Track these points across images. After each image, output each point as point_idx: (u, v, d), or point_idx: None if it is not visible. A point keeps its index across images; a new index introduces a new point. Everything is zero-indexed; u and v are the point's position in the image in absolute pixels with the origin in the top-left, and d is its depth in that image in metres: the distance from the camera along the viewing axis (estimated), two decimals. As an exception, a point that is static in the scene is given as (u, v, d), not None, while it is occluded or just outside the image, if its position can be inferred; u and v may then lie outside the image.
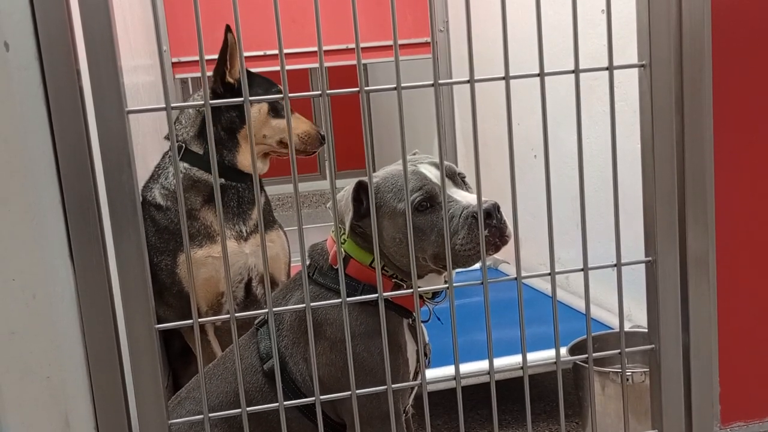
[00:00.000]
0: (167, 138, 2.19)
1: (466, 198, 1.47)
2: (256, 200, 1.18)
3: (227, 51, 2.11)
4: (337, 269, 1.55)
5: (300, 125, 2.34)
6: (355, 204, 1.51)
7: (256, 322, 1.66)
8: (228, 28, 2.10)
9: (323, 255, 1.60)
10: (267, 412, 1.49)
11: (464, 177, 1.56)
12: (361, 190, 1.52)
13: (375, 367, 1.50)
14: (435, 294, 1.59)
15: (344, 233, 1.55)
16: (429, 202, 1.47)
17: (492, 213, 1.41)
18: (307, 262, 1.63)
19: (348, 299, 1.22)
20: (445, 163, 1.52)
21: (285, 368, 1.56)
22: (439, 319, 1.63)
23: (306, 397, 1.53)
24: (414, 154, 1.62)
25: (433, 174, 1.50)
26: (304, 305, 1.21)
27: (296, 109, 2.38)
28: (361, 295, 1.52)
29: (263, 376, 1.57)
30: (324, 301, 1.47)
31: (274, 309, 1.21)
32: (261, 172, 2.29)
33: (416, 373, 1.61)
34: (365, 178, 1.51)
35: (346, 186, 1.55)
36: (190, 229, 2.10)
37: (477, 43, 1.23)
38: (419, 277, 1.54)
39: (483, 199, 1.34)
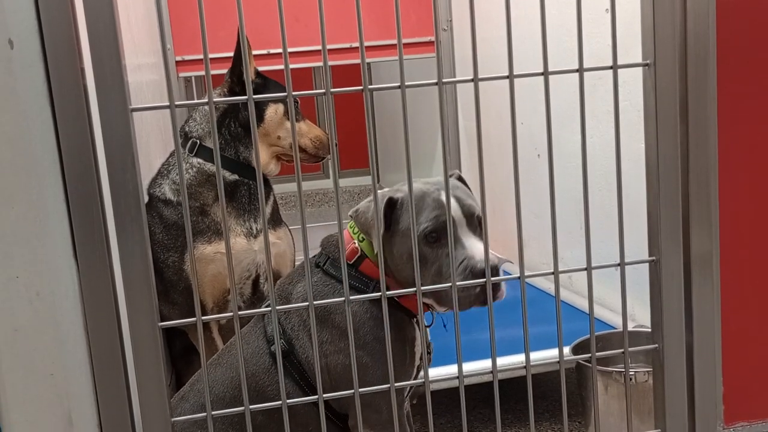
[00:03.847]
0: (183, 135, 2.20)
1: (472, 248, 1.47)
2: (260, 197, 1.18)
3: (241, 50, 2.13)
4: (350, 265, 1.58)
5: (312, 130, 2.37)
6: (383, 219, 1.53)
7: (264, 304, 1.69)
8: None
9: (338, 248, 1.61)
10: (271, 390, 1.56)
11: (481, 219, 1.54)
12: (389, 206, 1.53)
13: (383, 357, 1.50)
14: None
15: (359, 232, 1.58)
16: (438, 234, 1.48)
17: (497, 271, 1.41)
18: (314, 253, 1.65)
19: (351, 297, 1.22)
20: (469, 201, 1.53)
21: (291, 350, 1.59)
22: (444, 326, 1.65)
23: (312, 378, 1.57)
24: (452, 175, 1.60)
25: (453, 207, 1.49)
26: (305, 304, 1.20)
27: (300, 106, 2.39)
28: (372, 293, 1.54)
29: (269, 356, 1.60)
30: (328, 299, 1.48)
31: (278, 308, 1.21)
32: (273, 174, 2.30)
33: (418, 369, 1.62)
34: (394, 195, 1.55)
35: (367, 200, 1.57)
36: (200, 225, 2.11)
37: (481, 43, 1.23)
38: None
39: (490, 254, 1.31)
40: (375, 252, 1.54)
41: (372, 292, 1.54)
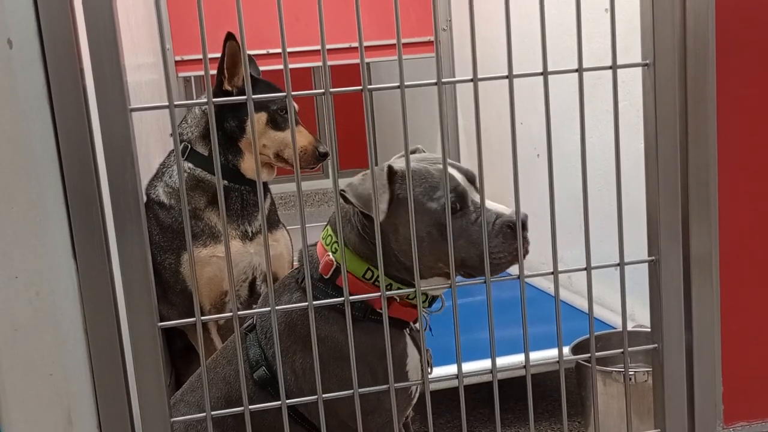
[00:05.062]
0: (173, 135, 2.18)
1: (495, 206, 1.42)
2: (260, 203, 1.18)
3: (225, 60, 2.09)
4: (326, 280, 1.49)
5: (299, 139, 2.24)
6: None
7: (244, 327, 1.60)
8: (228, 36, 2.07)
9: (312, 263, 1.52)
10: (257, 421, 1.43)
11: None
12: (391, 176, 1.43)
13: (375, 384, 1.45)
14: (431, 302, 1.53)
15: (335, 241, 1.49)
16: (460, 204, 1.42)
17: (526, 224, 1.37)
18: (297, 265, 1.58)
19: (351, 298, 1.22)
20: (464, 167, 1.49)
21: (275, 378, 1.49)
22: (430, 329, 1.56)
23: (296, 408, 1.49)
24: (415, 150, 1.57)
25: (459, 176, 1.45)
26: (304, 304, 1.20)
27: (299, 107, 2.36)
28: (353, 310, 1.41)
29: (253, 384, 1.52)
30: (317, 313, 1.42)
31: (277, 307, 1.21)
32: (268, 179, 2.27)
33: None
34: (395, 165, 1.46)
35: (363, 172, 1.45)
36: (194, 229, 2.10)
37: (480, 42, 1.23)
38: (423, 278, 1.47)
39: (514, 210, 1.32)
40: (380, 220, 1.35)
41: (353, 309, 1.38)
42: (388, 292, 1.25)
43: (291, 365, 1.51)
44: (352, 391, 1.24)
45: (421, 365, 1.54)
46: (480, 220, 1.40)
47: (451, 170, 1.46)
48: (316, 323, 1.44)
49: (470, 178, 1.48)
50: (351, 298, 1.22)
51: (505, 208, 1.43)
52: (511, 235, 1.38)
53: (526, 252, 1.40)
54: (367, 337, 1.45)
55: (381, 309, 1.37)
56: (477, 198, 1.44)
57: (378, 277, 1.47)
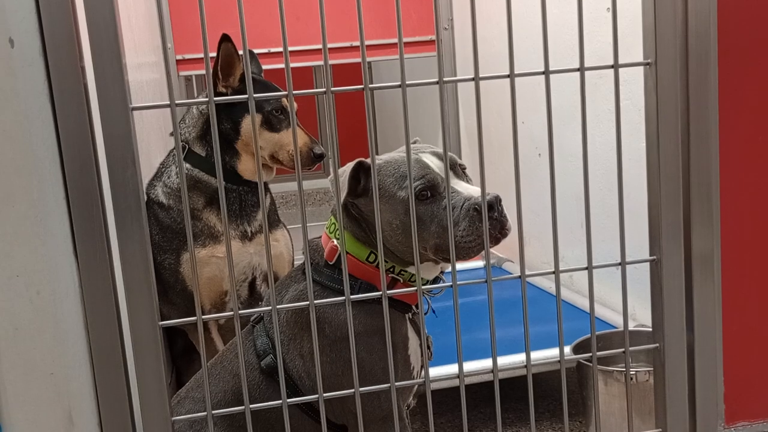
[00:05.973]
0: (173, 135, 2.17)
1: (467, 189, 1.45)
2: (261, 202, 1.18)
3: (219, 61, 2.08)
4: (332, 266, 1.54)
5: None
6: (352, 182, 1.48)
7: (252, 319, 1.64)
8: (222, 38, 2.05)
9: (318, 251, 1.57)
10: (265, 410, 1.47)
11: (465, 168, 1.55)
12: (361, 170, 1.49)
13: (374, 367, 1.48)
14: (432, 283, 1.57)
15: (338, 228, 1.52)
16: (430, 191, 1.45)
17: (494, 205, 1.40)
18: (303, 260, 1.61)
19: (352, 297, 1.22)
20: (450, 154, 1.50)
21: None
22: (434, 311, 1.61)
23: (303, 393, 1.52)
24: (414, 142, 1.60)
25: (434, 164, 1.48)
26: (305, 303, 1.20)
27: (300, 107, 2.35)
28: (359, 293, 1.48)
29: (260, 373, 1.55)
30: (322, 300, 1.45)
31: (278, 306, 1.21)
32: (265, 180, 2.26)
33: (421, 368, 1.59)
34: (366, 160, 1.50)
35: (348, 163, 1.52)
36: (193, 229, 2.10)
37: (482, 42, 1.23)
38: (412, 264, 1.52)
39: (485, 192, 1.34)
40: (342, 208, 1.46)
41: (358, 293, 1.48)
42: (390, 292, 1.25)
43: (299, 350, 1.54)
44: (353, 390, 1.24)
45: (421, 350, 1.56)
46: (451, 204, 1.42)
47: (426, 157, 1.50)
48: (323, 308, 1.51)
49: (450, 163, 1.50)
50: (352, 297, 1.22)
51: (476, 190, 1.44)
52: (478, 218, 1.40)
53: (503, 234, 1.42)
54: (372, 319, 1.48)
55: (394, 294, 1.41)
56: (454, 183, 1.47)
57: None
